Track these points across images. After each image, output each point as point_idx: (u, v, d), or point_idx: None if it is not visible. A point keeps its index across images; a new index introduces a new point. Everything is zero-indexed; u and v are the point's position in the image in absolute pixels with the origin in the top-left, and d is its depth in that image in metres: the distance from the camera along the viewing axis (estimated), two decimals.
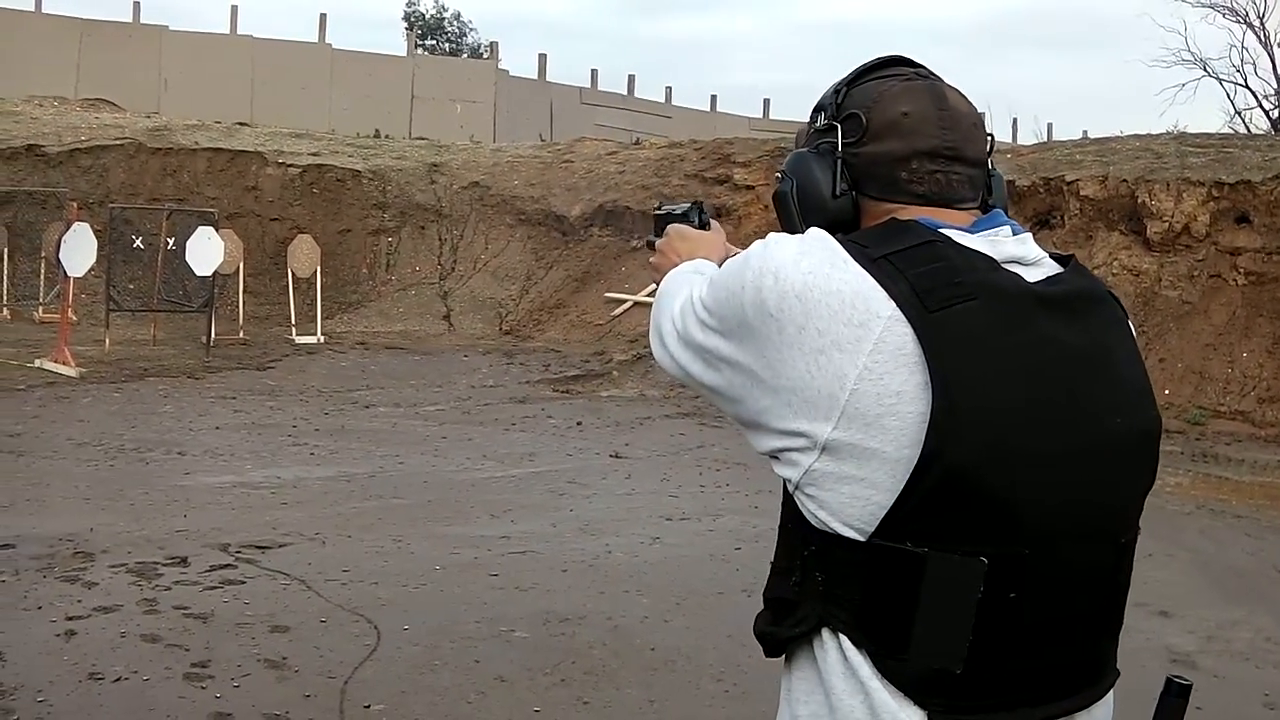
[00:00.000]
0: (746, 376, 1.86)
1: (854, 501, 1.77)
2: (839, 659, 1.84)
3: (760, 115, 46.51)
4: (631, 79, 45.67)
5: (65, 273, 17.60)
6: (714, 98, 48.77)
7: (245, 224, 22.38)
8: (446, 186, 24.22)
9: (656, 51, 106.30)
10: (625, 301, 21.09)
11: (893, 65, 2.08)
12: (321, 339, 20.41)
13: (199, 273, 18.95)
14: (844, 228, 1.95)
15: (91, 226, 18.10)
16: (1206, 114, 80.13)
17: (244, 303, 21.06)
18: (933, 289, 1.77)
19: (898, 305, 1.75)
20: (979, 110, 2.11)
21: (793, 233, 1.93)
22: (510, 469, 11.36)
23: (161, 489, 9.99)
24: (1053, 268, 1.99)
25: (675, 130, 36.44)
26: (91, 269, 18.21)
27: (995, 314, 1.78)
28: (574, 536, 9.14)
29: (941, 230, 1.89)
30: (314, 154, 25.10)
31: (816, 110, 2.09)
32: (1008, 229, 1.98)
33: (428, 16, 55.41)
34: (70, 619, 7.03)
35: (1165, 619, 7.72)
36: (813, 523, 1.83)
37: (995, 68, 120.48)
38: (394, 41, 65.58)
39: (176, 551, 8.29)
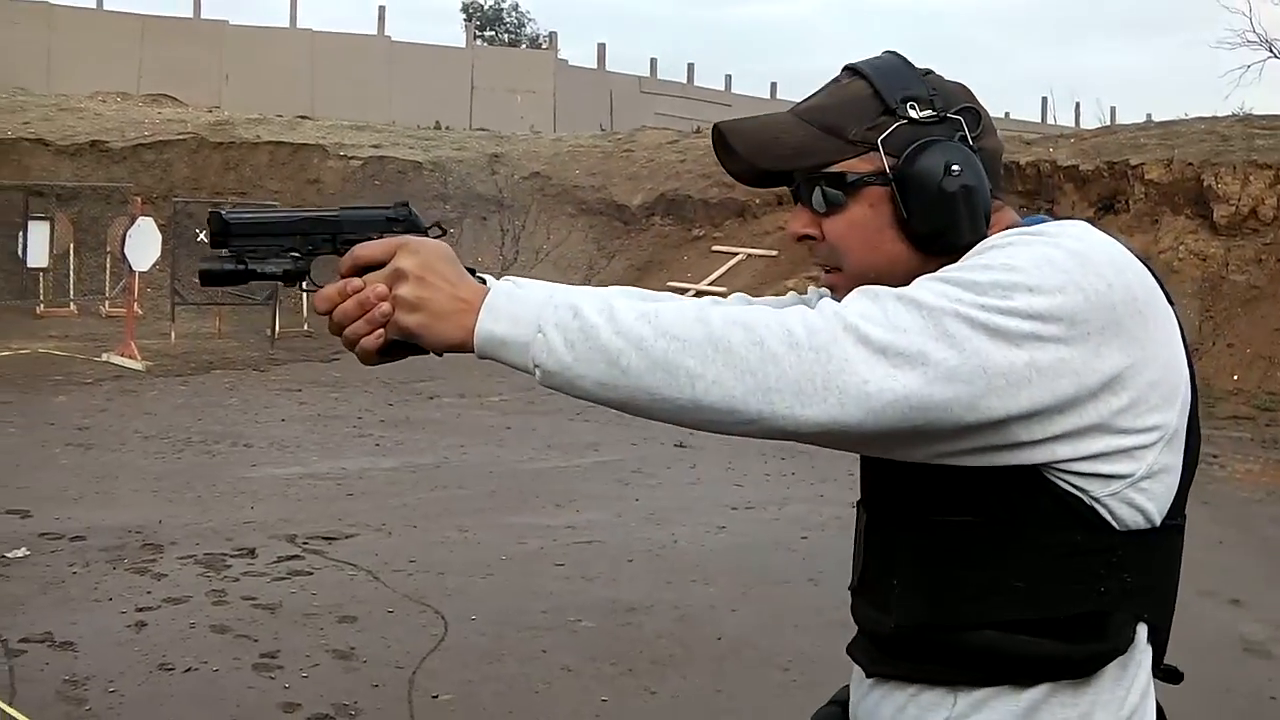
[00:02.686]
0: (1094, 380, 1.70)
1: (1168, 488, 1.80)
2: (1143, 656, 1.86)
3: None
4: (691, 67, 45.68)
5: (130, 267, 17.75)
6: (774, 85, 48.63)
7: None
8: (507, 177, 24.25)
9: (716, 39, 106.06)
10: (688, 291, 21.07)
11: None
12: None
13: None
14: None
15: (155, 221, 18.25)
16: (1273, 95, 79.26)
17: (306, 295, 21.12)
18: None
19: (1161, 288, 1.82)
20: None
21: (964, 233, 1.84)
22: (575, 459, 11.36)
23: (228, 481, 10.04)
24: None
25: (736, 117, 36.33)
26: (156, 263, 18.37)
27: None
28: (639, 526, 9.13)
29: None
30: (375, 146, 25.20)
31: (904, 101, 1.89)
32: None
33: (486, 7, 55.48)
34: (140, 610, 7.08)
35: (1236, 607, 7.63)
36: (1121, 523, 1.77)
37: (1057, 51, 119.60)
38: (453, 33, 65.79)
39: (244, 543, 8.34)
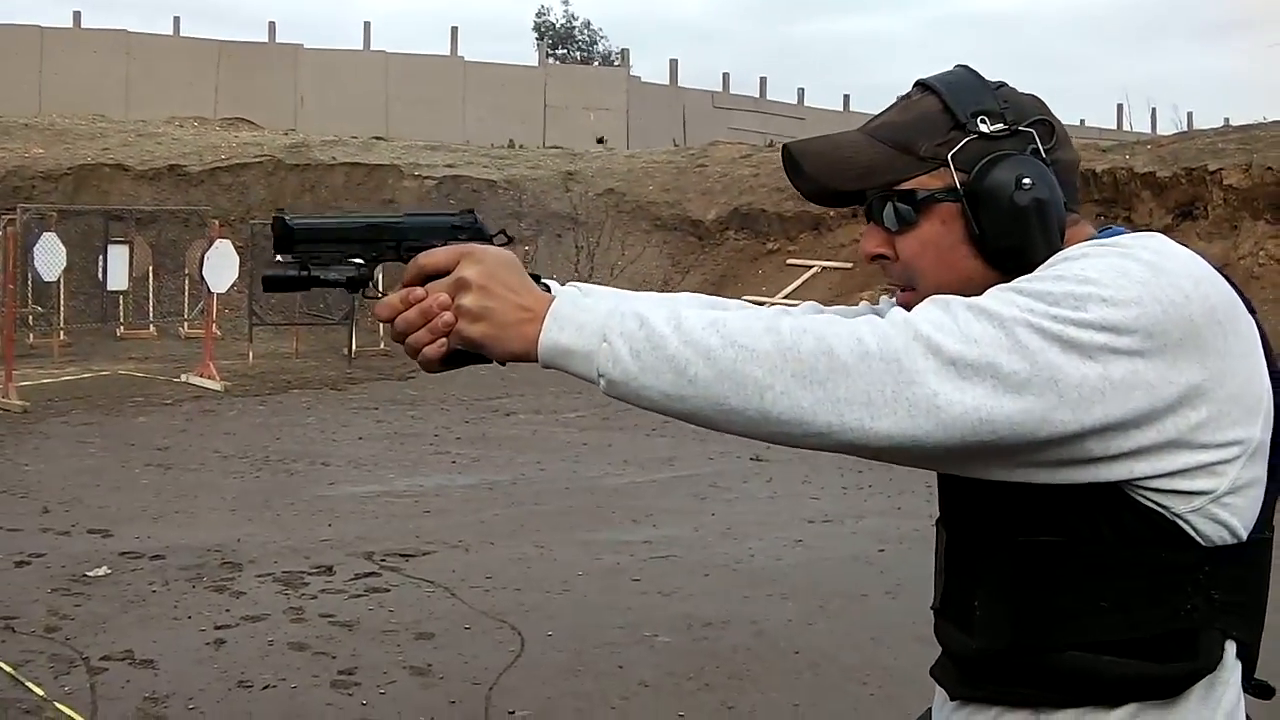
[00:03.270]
0: (1170, 393, 1.66)
1: (1254, 502, 1.77)
2: (1232, 674, 1.83)
3: None
4: (763, 81, 45.62)
5: (209, 289, 17.91)
6: (847, 98, 48.56)
7: None
8: (581, 194, 24.28)
9: (788, 53, 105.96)
10: (763, 304, 21.01)
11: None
12: None
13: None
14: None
15: (233, 243, 18.42)
16: None
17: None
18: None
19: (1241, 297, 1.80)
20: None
21: (1038, 248, 1.81)
22: (651, 474, 11.34)
23: (306, 499, 10.10)
24: None
25: (808, 132, 35.98)
26: (234, 285, 18.55)
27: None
28: (716, 540, 9.10)
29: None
30: (449, 165, 25.31)
31: (975, 115, 1.86)
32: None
33: (558, 26, 55.78)
34: (219, 628, 7.12)
35: None
36: (1207, 539, 1.75)
37: (1134, 56, 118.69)
38: (525, 52, 66.02)
39: (322, 560, 8.37)
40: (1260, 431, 1.75)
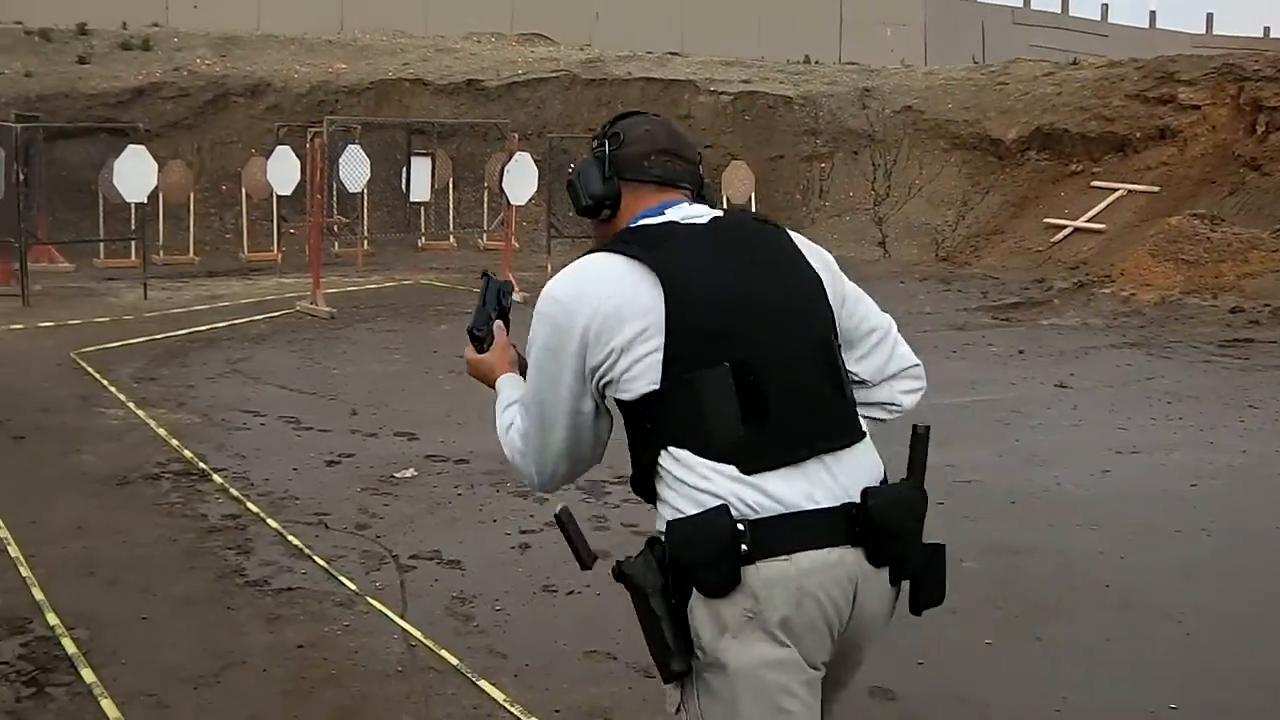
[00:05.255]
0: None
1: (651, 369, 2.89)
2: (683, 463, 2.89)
3: (1203, 31, 44.42)
4: None
5: (508, 201, 18.15)
6: (1153, 14, 47.03)
7: None
8: (878, 111, 23.86)
9: None
10: (1065, 227, 20.43)
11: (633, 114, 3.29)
12: None
13: None
14: (613, 199, 3.15)
15: (530, 156, 18.63)
16: None
17: None
18: (651, 242, 2.97)
19: (632, 257, 2.95)
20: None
21: (577, 205, 3.20)
22: (953, 397, 11.12)
23: None
24: (713, 215, 3.10)
25: (1112, 49, 35.02)
26: (532, 198, 18.76)
27: (690, 238, 3.00)
28: (1020, 467, 8.90)
29: (655, 217, 3.08)
30: (744, 81, 25.16)
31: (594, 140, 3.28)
32: (685, 206, 3.12)
33: None
34: (523, 533, 7.26)
35: None
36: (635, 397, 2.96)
37: None
38: None
39: (623, 470, 8.38)
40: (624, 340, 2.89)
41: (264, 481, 8.24)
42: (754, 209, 21.17)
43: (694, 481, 2.81)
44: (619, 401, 2.93)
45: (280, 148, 19.63)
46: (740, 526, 2.75)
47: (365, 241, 21.19)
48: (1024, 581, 6.60)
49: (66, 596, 6.18)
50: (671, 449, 2.84)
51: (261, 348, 13.31)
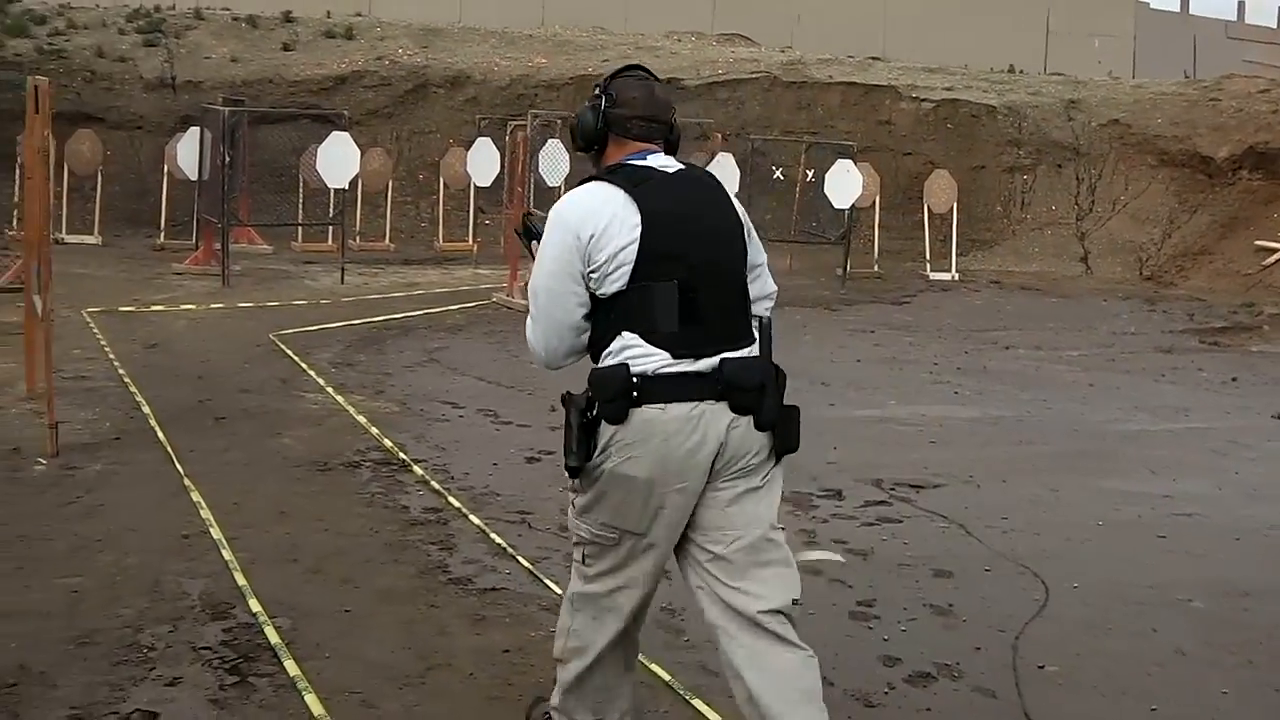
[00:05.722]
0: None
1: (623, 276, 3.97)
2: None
3: None
4: None
5: None
6: None
7: (878, 158, 22.15)
8: (1084, 124, 23.23)
9: None
10: (1277, 250, 19.68)
11: (631, 70, 4.29)
12: (956, 276, 20.08)
13: (837, 205, 18.94)
14: (601, 143, 4.20)
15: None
16: None
17: (878, 236, 20.95)
18: (636, 180, 4.01)
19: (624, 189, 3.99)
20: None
21: (574, 144, 4.32)
22: (1164, 423, 10.69)
23: (809, 419, 9.72)
24: (679, 168, 4.13)
25: None
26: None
27: (660, 183, 4.03)
28: (1242, 502, 8.45)
29: (639, 160, 4.11)
30: (947, 89, 24.67)
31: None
32: (660, 157, 4.13)
33: None
34: None
35: None
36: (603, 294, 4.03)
37: None
38: None
39: (830, 484, 8.19)
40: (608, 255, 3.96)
41: (464, 475, 8.12)
42: (954, 218, 20.78)
43: (634, 355, 3.94)
44: (592, 296, 4.01)
45: (480, 139, 19.68)
46: (635, 379, 3.91)
47: None
48: (1259, 626, 6.19)
49: (269, 583, 6.10)
50: (625, 332, 3.97)
51: (458, 338, 13.28)
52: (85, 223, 19.01)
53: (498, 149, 19.04)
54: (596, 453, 3.96)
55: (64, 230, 18.14)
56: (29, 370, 9.54)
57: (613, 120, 4.16)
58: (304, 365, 11.14)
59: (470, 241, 20.51)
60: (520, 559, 6.57)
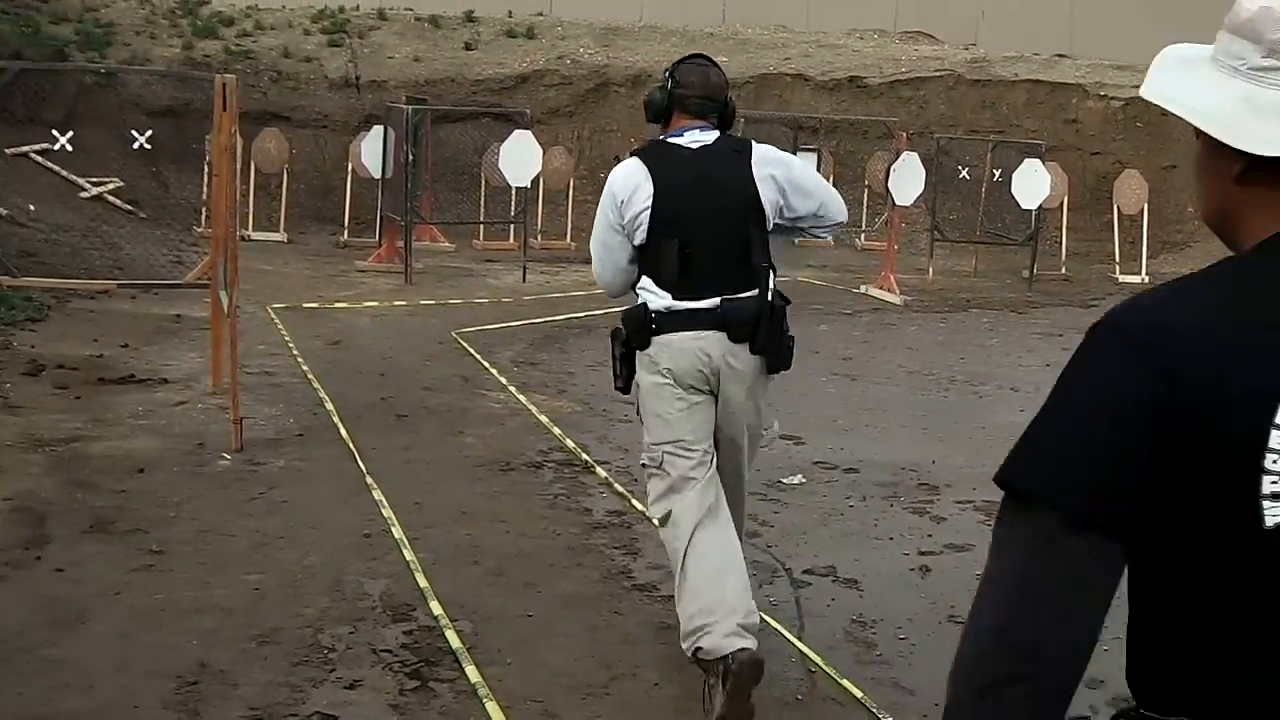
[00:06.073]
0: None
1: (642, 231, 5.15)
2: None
3: None
4: None
5: (893, 201, 17.66)
6: None
7: (1065, 157, 21.59)
8: None
9: None
10: None
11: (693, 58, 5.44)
12: (1146, 279, 19.48)
13: (1024, 205, 18.46)
14: (666, 116, 5.22)
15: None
16: None
17: (1065, 238, 20.43)
18: (658, 156, 5.19)
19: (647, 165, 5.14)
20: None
21: (648, 116, 5.34)
22: None
23: (997, 425, 9.52)
24: (704, 144, 5.15)
25: None
26: (919, 198, 18.18)
27: (677, 159, 5.13)
28: None
29: (677, 137, 5.19)
30: (1136, 87, 23.82)
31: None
32: (698, 132, 5.15)
33: None
34: (922, 554, 6.83)
35: None
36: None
37: None
38: None
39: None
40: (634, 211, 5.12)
41: None
42: (1145, 220, 20.20)
43: (650, 294, 5.12)
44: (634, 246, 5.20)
45: None
46: (653, 315, 5.10)
47: None
48: None
49: (450, 585, 6.02)
50: (645, 277, 5.17)
51: None
52: (271, 220, 19.24)
53: None
54: (635, 375, 5.25)
55: (250, 227, 18.37)
56: (215, 366, 9.61)
57: (676, 99, 5.21)
58: (486, 364, 11.09)
59: None
60: None
